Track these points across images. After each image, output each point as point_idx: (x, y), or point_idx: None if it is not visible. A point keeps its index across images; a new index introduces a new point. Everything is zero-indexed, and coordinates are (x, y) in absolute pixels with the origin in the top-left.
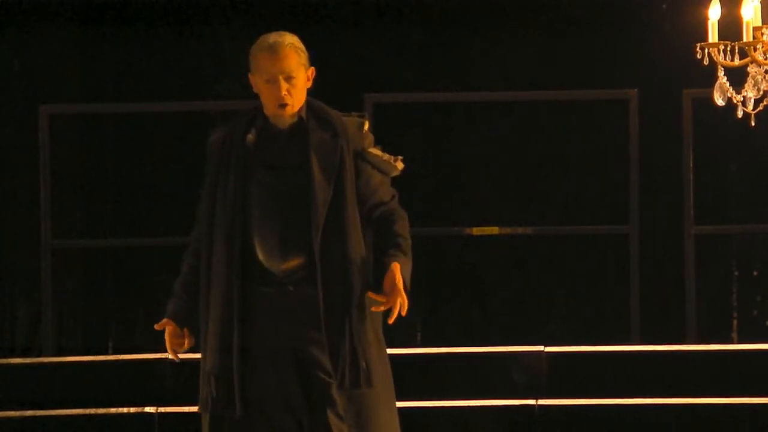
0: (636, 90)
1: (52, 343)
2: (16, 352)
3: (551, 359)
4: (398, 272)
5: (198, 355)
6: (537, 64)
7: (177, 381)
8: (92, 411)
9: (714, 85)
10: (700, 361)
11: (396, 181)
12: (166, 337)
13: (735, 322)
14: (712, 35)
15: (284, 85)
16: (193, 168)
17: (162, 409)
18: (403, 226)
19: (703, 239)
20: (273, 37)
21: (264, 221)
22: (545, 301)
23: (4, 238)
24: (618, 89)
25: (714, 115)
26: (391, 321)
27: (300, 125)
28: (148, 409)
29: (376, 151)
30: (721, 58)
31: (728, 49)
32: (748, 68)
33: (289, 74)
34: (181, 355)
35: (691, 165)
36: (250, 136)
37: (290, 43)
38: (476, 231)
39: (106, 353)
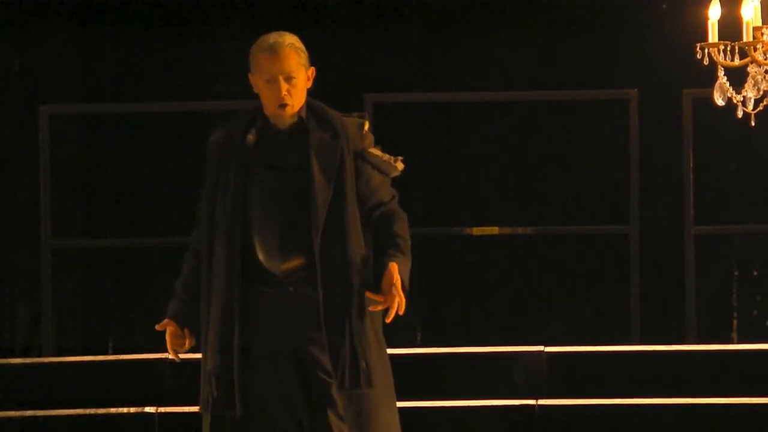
0: (636, 90)
1: (52, 343)
2: (16, 352)
3: (551, 359)
4: (396, 272)
5: (198, 355)
6: (537, 64)
7: (177, 381)
8: (92, 411)
9: (714, 85)
10: (700, 361)
11: (396, 182)
12: (167, 337)
13: (735, 322)
14: (712, 35)
15: (284, 86)
16: (193, 168)
17: (162, 409)
18: (402, 227)
19: (703, 239)
20: (273, 37)
21: (264, 221)
22: (545, 301)
23: (4, 238)
24: (618, 89)
25: (714, 115)
26: (388, 320)
27: (300, 125)
28: (148, 409)
29: (376, 152)
30: (721, 58)
31: (728, 49)
32: (748, 68)
33: (289, 74)
34: (182, 355)
35: (691, 165)
36: (251, 137)
37: (290, 43)
38: (476, 231)
39: (106, 353)
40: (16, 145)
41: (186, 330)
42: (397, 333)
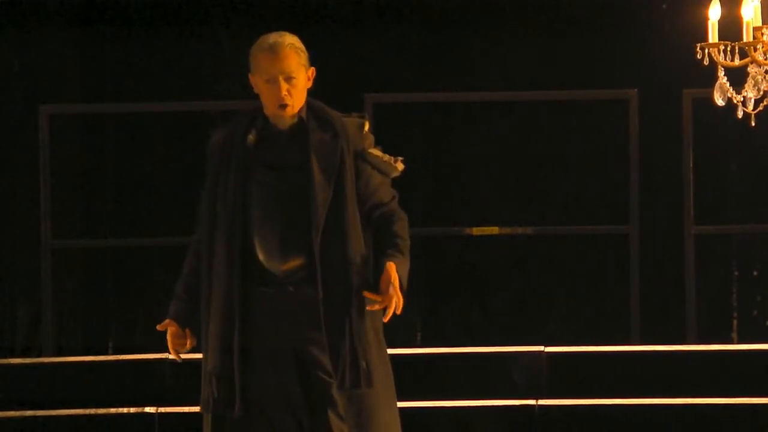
0: (636, 90)
1: (52, 343)
2: (16, 352)
3: (551, 359)
4: (393, 271)
5: (198, 356)
6: (537, 64)
7: (177, 381)
8: (92, 411)
9: (714, 85)
10: (700, 361)
11: (396, 182)
12: (168, 337)
13: (735, 322)
14: (712, 35)
15: (284, 86)
16: (193, 168)
17: (162, 409)
18: (402, 227)
19: (703, 239)
20: (273, 37)
21: (264, 221)
22: (545, 301)
23: (4, 238)
24: (618, 89)
25: (714, 115)
26: (386, 319)
27: (300, 126)
28: (148, 409)
29: (376, 152)
30: (721, 58)
31: (728, 49)
32: (748, 68)
33: (289, 75)
34: (183, 356)
35: (691, 165)
36: (251, 137)
37: (290, 43)
38: (476, 231)
39: (106, 353)
40: (16, 145)
41: (187, 330)
42: (397, 333)
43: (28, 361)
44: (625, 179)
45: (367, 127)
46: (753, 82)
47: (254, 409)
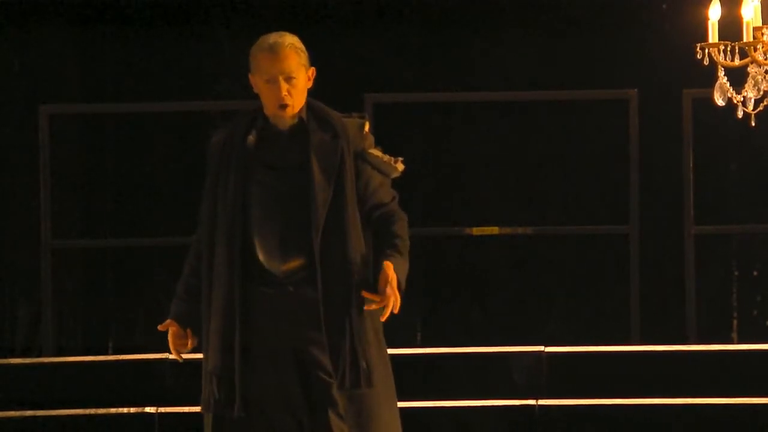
0: (636, 90)
1: (52, 343)
2: (16, 352)
3: (551, 359)
4: (391, 270)
5: (199, 356)
6: (537, 64)
7: (177, 381)
8: (92, 411)
9: (714, 85)
10: (700, 361)
11: (396, 182)
12: (170, 337)
13: (735, 322)
14: (712, 35)
15: (284, 86)
16: (193, 168)
17: (162, 409)
18: (401, 228)
19: (703, 239)
20: (273, 37)
21: (264, 221)
22: (545, 301)
23: (4, 238)
24: (618, 89)
25: (714, 115)
26: (383, 319)
27: (300, 126)
28: (148, 409)
29: (376, 152)
30: (721, 58)
31: (728, 49)
32: (748, 68)
33: (290, 75)
34: (184, 355)
35: (691, 165)
36: (251, 137)
37: (290, 43)
38: (476, 231)
39: (106, 353)
40: (16, 145)
41: (188, 330)
42: (397, 333)
43: (28, 361)
44: (625, 179)
45: (367, 127)
46: (753, 82)
47: (254, 409)
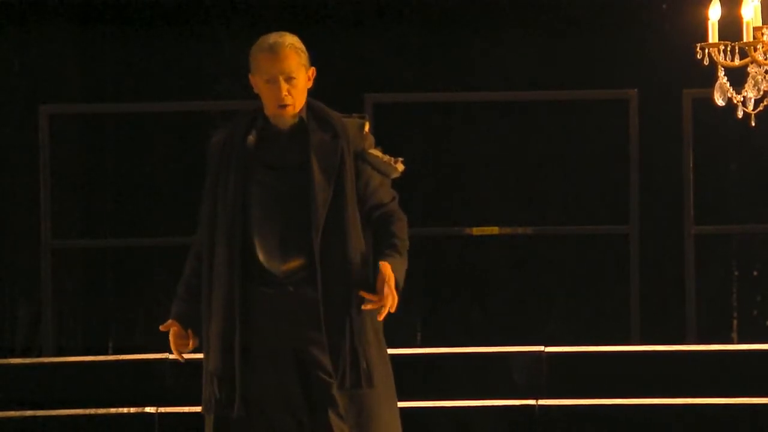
0: (636, 90)
1: (52, 343)
2: (16, 352)
3: (551, 359)
4: (389, 270)
5: (198, 356)
6: (537, 64)
7: (177, 381)
8: (92, 411)
9: (714, 85)
10: (700, 361)
11: (396, 182)
12: (171, 338)
13: (735, 322)
14: (712, 35)
15: (284, 86)
16: (193, 168)
17: (162, 409)
18: (401, 228)
19: (703, 239)
20: (273, 37)
21: (264, 221)
22: (545, 301)
23: (4, 238)
24: (618, 89)
25: (714, 115)
26: (380, 318)
27: (300, 126)
28: (148, 409)
29: (376, 153)
30: (721, 58)
31: (728, 49)
32: (748, 68)
33: (290, 75)
34: (186, 356)
35: (691, 165)
36: (251, 137)
37: (290, 43)
38: (476, 231)
39: (106, 353)
40: (16, 145)
41: (189, 330)
42: (397, 333)
43: (28, 361)
44: (625, 179)
45: (367, 127)
46: (753, 82)
47: (254, 409)
